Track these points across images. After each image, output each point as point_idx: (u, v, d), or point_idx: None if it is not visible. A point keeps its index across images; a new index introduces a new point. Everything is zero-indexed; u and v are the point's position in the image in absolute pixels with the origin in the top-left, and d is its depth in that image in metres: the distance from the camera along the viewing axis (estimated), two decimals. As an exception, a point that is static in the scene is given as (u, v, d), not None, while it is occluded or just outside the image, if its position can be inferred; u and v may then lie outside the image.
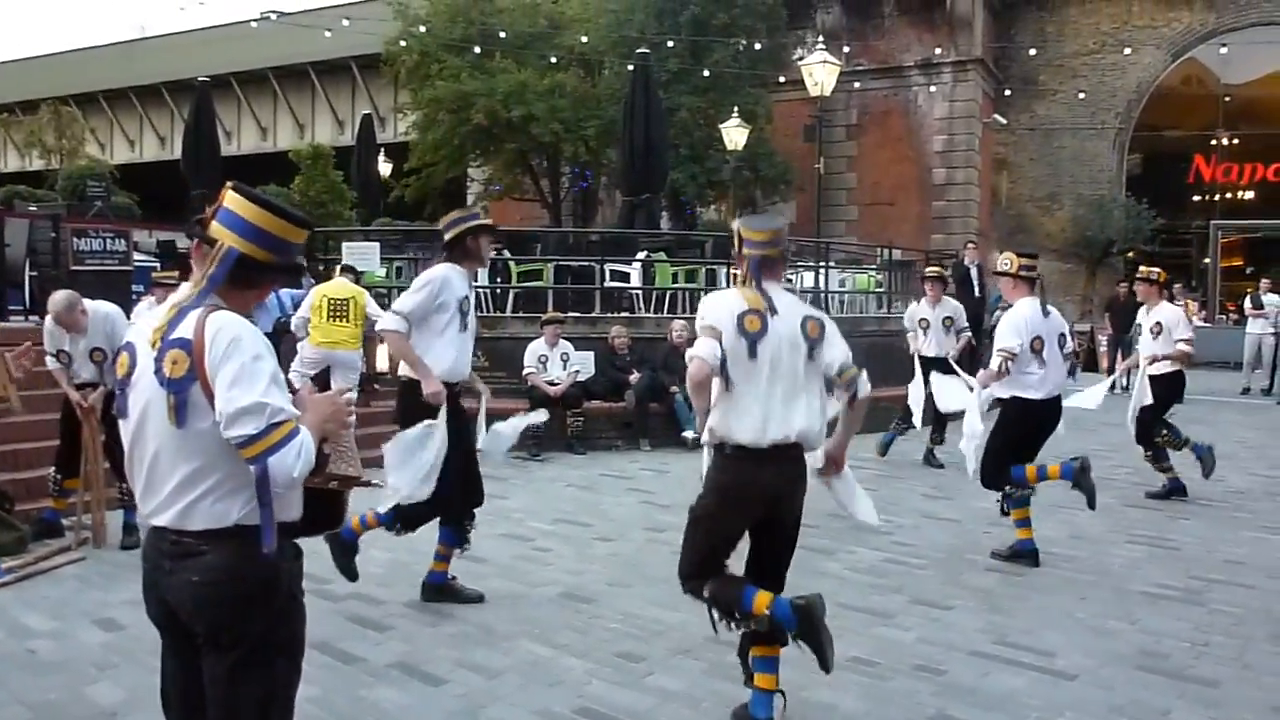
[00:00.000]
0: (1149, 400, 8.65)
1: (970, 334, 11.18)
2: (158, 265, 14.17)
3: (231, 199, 2.61)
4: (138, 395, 2.57)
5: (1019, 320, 6.55)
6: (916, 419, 10.30)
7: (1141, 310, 9.27)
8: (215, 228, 2.61)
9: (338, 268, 11.27)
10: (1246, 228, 27.76)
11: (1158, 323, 8.84)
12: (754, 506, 4.05)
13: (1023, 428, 6.64)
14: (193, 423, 2.48)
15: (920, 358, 10.43)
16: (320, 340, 10.13)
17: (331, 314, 10.13)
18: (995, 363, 6.52)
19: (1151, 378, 8.73)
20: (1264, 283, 19.58)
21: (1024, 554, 6.66)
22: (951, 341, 10.37)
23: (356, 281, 10.78)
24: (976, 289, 15.57)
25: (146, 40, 41.72)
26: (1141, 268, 9.55)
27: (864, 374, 4.07)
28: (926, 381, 9.11)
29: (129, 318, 7.38)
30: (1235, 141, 26.51)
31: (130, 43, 42.04)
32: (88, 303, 7.07)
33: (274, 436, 2.40)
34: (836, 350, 4.05)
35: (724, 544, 4.19)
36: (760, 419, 3.90)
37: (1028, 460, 6.61)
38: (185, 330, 2.48)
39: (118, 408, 2.67)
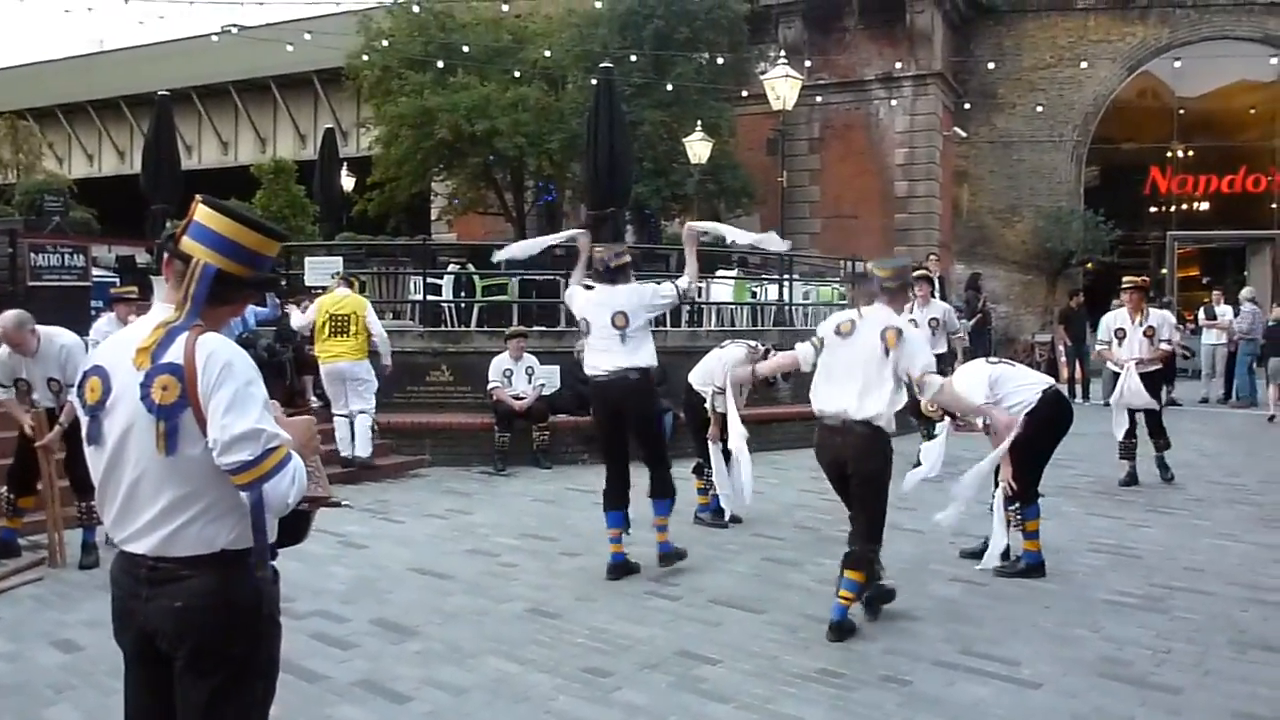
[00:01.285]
0: (1148, 402, 9.45)
1: (962, 335, 11.45)
2: (117, 281, 14.02)
3: (203, 213, 2.56)
4: (115, 420, 2.49)
5: None
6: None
7: (1122, 315, 9.82)
8: (188, 243, 2.55)
9: (335, 277, 11.27)
10: (1202, 239, 28.20)
11: (1150, 327, 9.62)
12: None
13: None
14: (182, 449, 2.44)
15: None
16: (324, 356, 10.22)
17: (334, 330, 10.23)
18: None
19: (1144, 376, 9.44)
20: (1215, 294, 19.93)
21: (1034, 567, 6.61)
22: (940, 343, 10.44)
23: (361, 291, 10.81)
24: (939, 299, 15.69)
25: (105, 54, 41.29)
26: (1128, 278, 10.34)
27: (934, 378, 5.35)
28: None
29: (89, 333, 7.29)
30: (1190, 154, 26.89)
31: (88, 56, 41.59)
32: (44, 329, 6.97)
33: (269, 463, 2.39)
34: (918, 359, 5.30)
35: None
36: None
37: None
38: (175, 355, 2.44)
39: (88, 435, 2.55)
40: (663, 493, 6.84)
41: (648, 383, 6.74)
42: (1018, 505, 6.58)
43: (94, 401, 2.52)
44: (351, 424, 10.29)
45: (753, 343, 8.07)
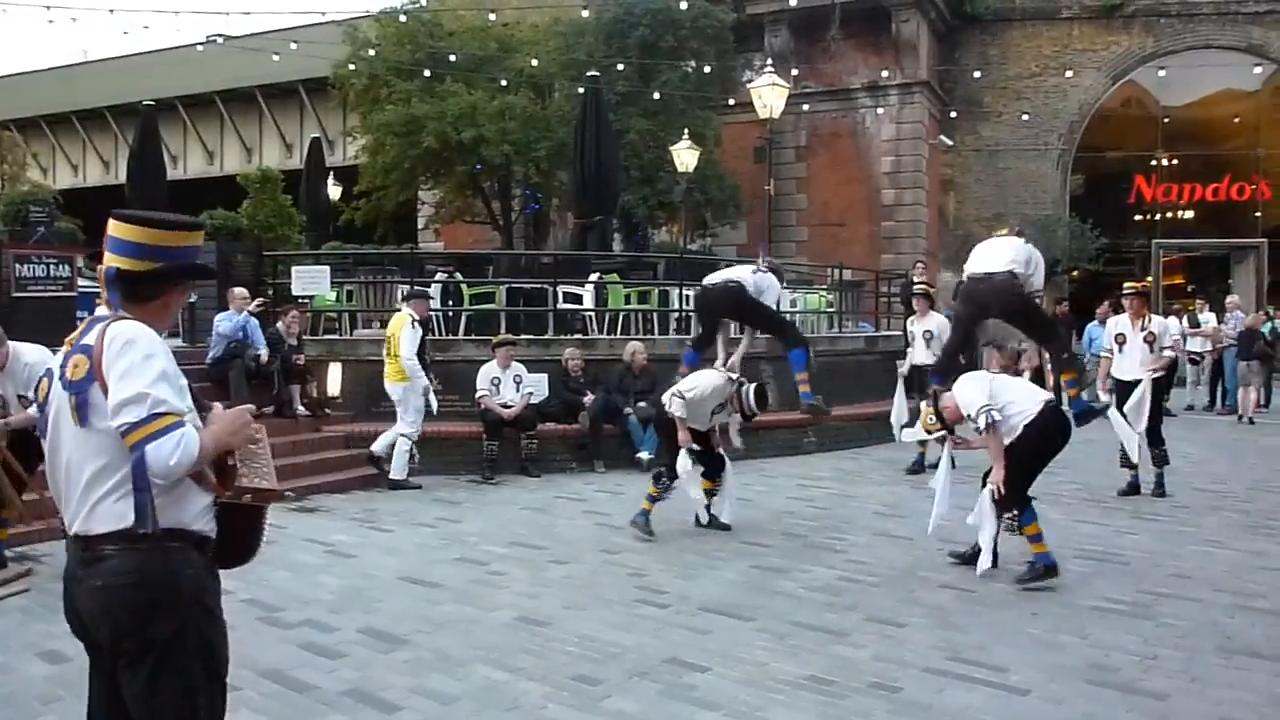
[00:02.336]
0: (1146, 417, 9.40)
1: None
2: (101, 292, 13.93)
3: (111, 225, 2.76)
4: (51, 409, 2.71)
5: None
6: (898, 435, 10.53)
7: (1123, 321, 9.80)
8: (105, 255, 2.75)
9: (401, 297, 11.52)
10: (1187, 246, 28.33)
11: (1151, 333, 9.52)
12: None
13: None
14: (93, 422, 2.59)
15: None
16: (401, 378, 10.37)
17: (387, 351, 10.49)
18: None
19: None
20: (1199, 302, 20.06)
21: (1050, 568, 6.60)
22: (931, 354, 10.65)
23: (348, 300, 10.82)
24: (925, 308, 15.73)
25: (90, 64, 41.14)
26: (1129, 283, 10.22)
27: None
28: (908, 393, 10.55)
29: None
30: (1175, 162, 27.06)
31: (73, 66, 41.41)
32: (15, 345, 6.95)
33: (154, 425, 2.50)
34: None
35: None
36: None
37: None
38: (90, 338, 2.64)
39: (39, 429, 2.79)
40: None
41: None
42: (1014, 514, 6.65)
43: (42, 398, 2.77)
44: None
45: (732, 375, 8.23)
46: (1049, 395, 6.98)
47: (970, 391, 6.63)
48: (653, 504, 8.16)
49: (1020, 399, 6.65)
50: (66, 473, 2.66)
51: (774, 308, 8.74)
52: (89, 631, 2.70)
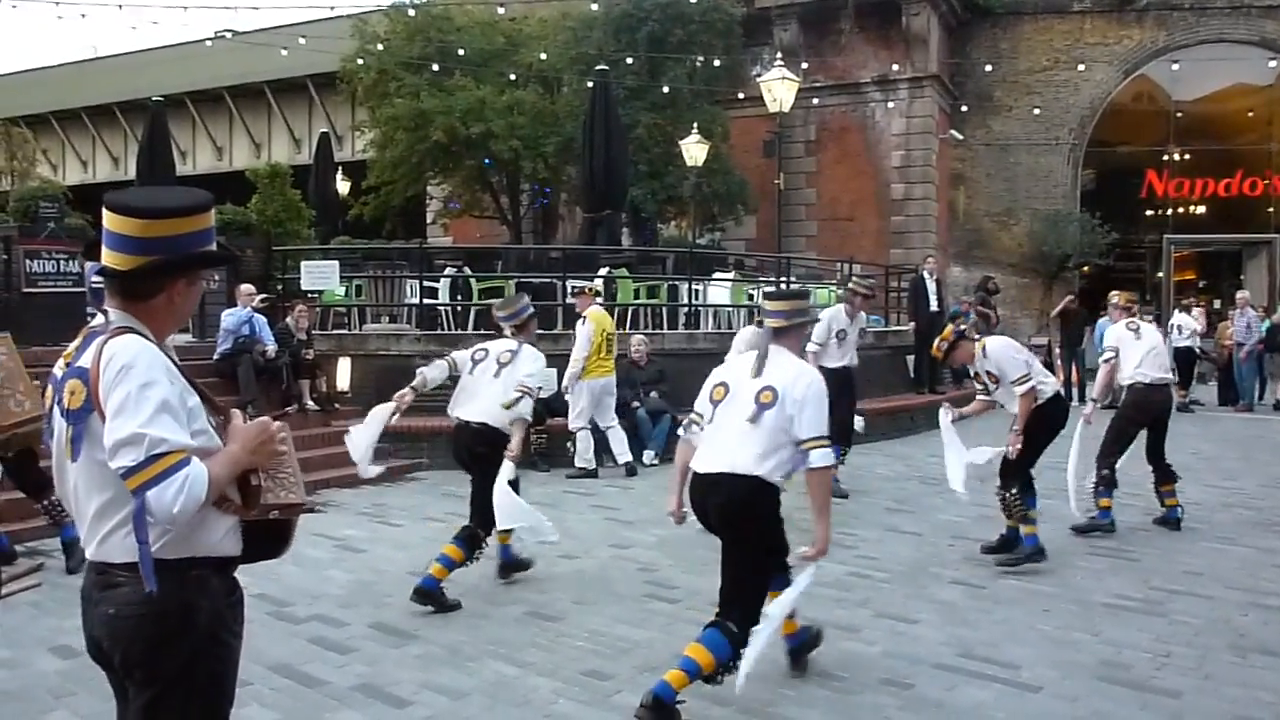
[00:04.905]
0: None
1: None
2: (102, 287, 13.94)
3: (104, 216, 2.49)
4: (53, 425, 2.51)
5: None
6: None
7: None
8: (103, 251, 2.51)
9: (591, 294, 11.84)
10: (1199, 242, 28.21)
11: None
12: None
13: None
14: (92, 454, 2.40)
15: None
16: (599, 372, 10.90)
17: (608, 348, 10.98)
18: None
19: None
20: (1193, 298, 20.14)
21: (1037, 552, 6.90)
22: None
23: (357, 294, 10.94)
24: (935, 302, 15.73)
25: (99, 60, 41.17)
26: (1115, 294, 9.62)
27: None
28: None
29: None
30: (1187, 157, 26.87)
31: (82, 63, 41.44)
32: None
33: (153, 469, 2.28)
34: None
35: None
36: None
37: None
38: (86, 359, 2.42)
39: (44, 441, 2.60)
40: None
41: None
42: (1015, 492, 6.96)
43: (48, 408, 2.55)
44: (603, 435, 11.03)
45: None
46: (1058, 384, 7.36)
47: (1016, 355, 6.90)
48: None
49: (1047, 377, 7.03)
50: (75, 499, 2.50)
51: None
52: (100, 651, 2.56)
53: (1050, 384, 7.03)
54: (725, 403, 4.44)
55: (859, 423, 10.13)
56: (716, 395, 4.50)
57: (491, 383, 6.26)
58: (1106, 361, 8.38)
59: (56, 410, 2.48)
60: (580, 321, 10.98)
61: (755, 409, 4.29)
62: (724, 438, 4.35)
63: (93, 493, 2.44)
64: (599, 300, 11.94)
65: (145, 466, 2.28)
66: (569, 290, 13.97)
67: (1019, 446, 6.81)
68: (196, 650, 2.49)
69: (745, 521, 4.37)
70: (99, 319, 2.57)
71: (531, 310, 6.72)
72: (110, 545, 2.43)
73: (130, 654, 2.47)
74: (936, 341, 7.22)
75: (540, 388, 10.86)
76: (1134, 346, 8.23)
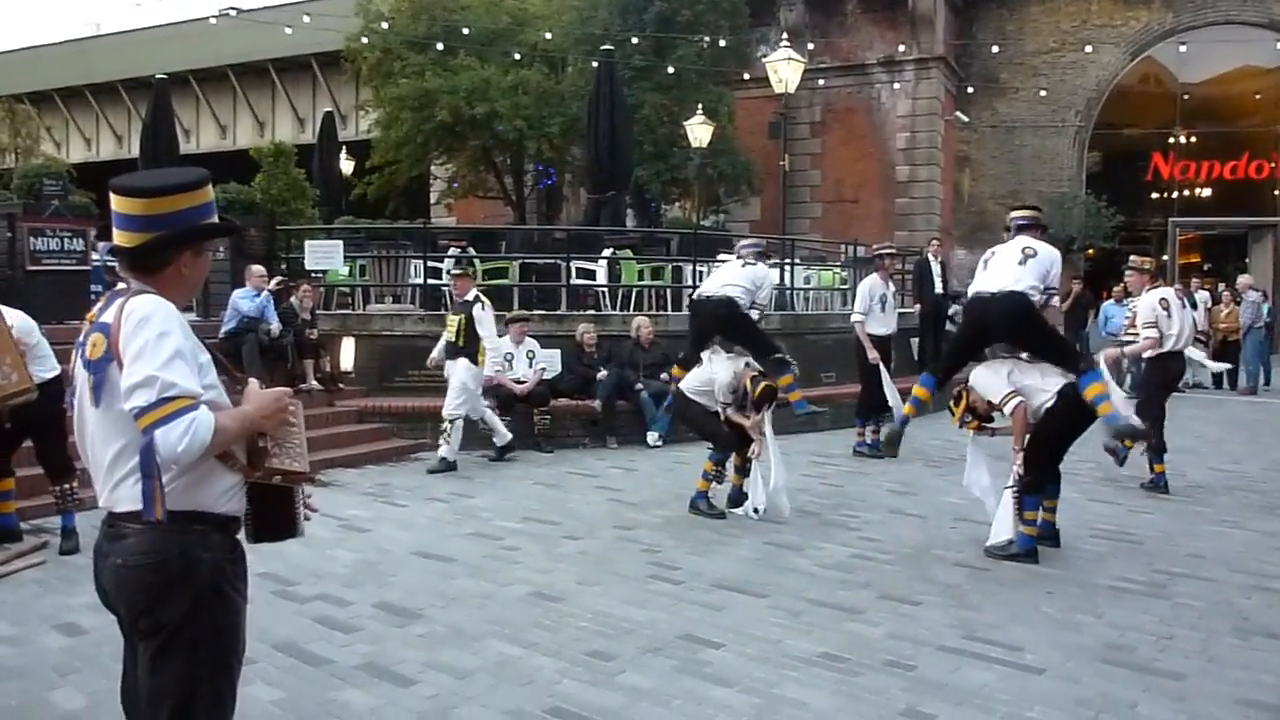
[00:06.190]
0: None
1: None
2: (116, 265, 13.95)
3: (111, 198, 2.66)
4: (77, 385, 2.67)
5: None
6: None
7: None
8: (113, 232, 2.68)
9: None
10: (1204, 225, 28.12)
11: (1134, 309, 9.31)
12: None
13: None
14: (111, 403, 2.55)
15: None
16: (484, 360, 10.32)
17: None
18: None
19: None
20: (1195, 282, 20.13)
21: (1030, 552, 6.68)
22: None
23: (361, 274, 10.85)
24: (940, 284, 15.68)
25: (102, 37, 41.08)
26: (1133, 257, 9.53)
27: None
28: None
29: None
30: (1193, 140, 26.75)
31: (85, 40, 41.39)
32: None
33: (163, 410, 2.42)
34: None
35: None
36: None
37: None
38: (109, 315, 2.58)
39: (68, 402, 2.76)
40: None
41: None
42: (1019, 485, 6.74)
43: (70, 371, 2.73)
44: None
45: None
46: (1067, 379, 6.86)
47: (992, 380, 6.76)
48: (709, 483, 8.09)
49: (1041, 382, 6.67)
50: (92, 450, 2.65)
51: (768, 304, 8.41)
52: (110, 603, 2.71)
53: (1044, 391, 6.67)
54: None
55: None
56: None
57: None
58: (1149, 338, 8.71)
59: (79, 364, 2.63)
60: (480, 306, 10.14)
61: None
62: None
63: (110, 440, 2.58)
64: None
65: (156, 407, 2.42)
66: (570, 272, 13.99)
67: (1022, 466, 6.65)
68: (198, 599, 2.61)
69: None
70: (121, 286, 2.72)
71: None
72: (120, 493, 2.58)
73: (135, 603, 2.61)
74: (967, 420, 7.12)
75: (544, 368, 10.87)
76: (1169, 323, 8.70)
